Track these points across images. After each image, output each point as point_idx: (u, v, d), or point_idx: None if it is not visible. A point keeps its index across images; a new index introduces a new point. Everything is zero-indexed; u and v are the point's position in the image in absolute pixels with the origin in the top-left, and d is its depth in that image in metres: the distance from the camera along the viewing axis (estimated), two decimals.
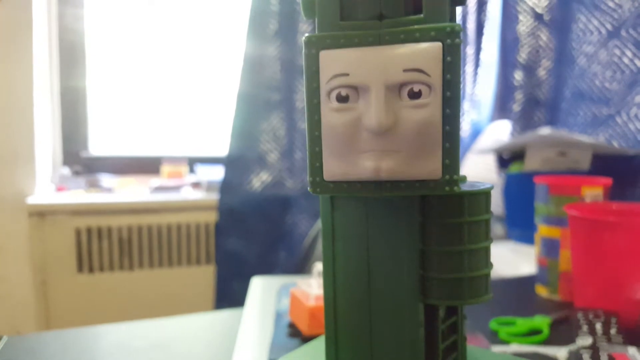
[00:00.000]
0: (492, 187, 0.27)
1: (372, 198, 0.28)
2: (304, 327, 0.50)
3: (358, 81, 0.24)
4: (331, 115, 0.24)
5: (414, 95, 0.23)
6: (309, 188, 0.26)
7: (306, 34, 0.25)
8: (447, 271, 0.27)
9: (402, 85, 0.23)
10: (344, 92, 0.24)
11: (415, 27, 0.24)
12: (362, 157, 0.24)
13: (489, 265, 0.28)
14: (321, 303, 0.47)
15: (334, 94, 0.24)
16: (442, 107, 0.23)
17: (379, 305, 0.29)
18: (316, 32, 0.25)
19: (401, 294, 0.28)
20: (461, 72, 0.23)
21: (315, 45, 0.24)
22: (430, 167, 0.24)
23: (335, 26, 0.25)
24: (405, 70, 0.23)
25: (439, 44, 0.23)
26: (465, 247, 0.26)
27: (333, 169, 0.25)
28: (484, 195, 0.27)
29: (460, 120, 0.23)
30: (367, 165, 0.24)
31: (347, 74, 0.24)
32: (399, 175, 0.24)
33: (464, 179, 0.29)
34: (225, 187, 1.38)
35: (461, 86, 0.23)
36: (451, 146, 0.23)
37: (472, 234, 0.27)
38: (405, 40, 0.23)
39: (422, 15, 0.24)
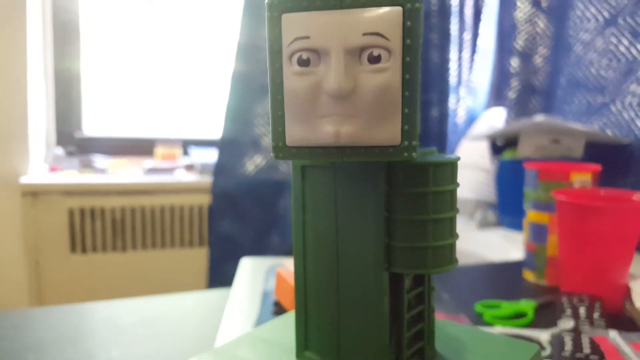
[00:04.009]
0: (458, 158, 0.27)
1: (340, 168, 0.28)
2: (288, 305, 0.51)
3: (319, 44, 0.24)
4: (293, 79, 0.25)
5: (374, 59, 0.23)
6: (271, 153, 0.26)
7: None
8: (411, 240, 0.27)
9: (362, 50, 0.23)
10: (305, 56, 0.24)
11: None
12: (322, 121, 0.24)
13: (454, 235, 0.28)
14: None
15: (295, 58, 0.24)
16: (402, 73, 0.23)
17: (346, 274, 0.29)
18: None
19: (367, 262, 0.28)
20: (422, 38, 0.23)
21: (278, 8, 0.24)
22: (390, 133, 0.24)
23: None
24: (364, 34, 0.23)
25: (399, 8, 0.23)
26: (430, 217, 0.27)
27: (295, 133, 0.25)
28: (450, 165, 0.27)
29: (420, 87, 0.23)
30: (327, 130, 0.24)
31: (308, 37, 0.24)
32: (358, 140, 0.24)
33: (433, 151, 0.30)
34: (219, 170, 1.37)
35: (421, 52, 0.23)
36: (410, 112, 0.23)
37: (437, 204, 0.27)
38: (366, 4, 0.23)
39: None
